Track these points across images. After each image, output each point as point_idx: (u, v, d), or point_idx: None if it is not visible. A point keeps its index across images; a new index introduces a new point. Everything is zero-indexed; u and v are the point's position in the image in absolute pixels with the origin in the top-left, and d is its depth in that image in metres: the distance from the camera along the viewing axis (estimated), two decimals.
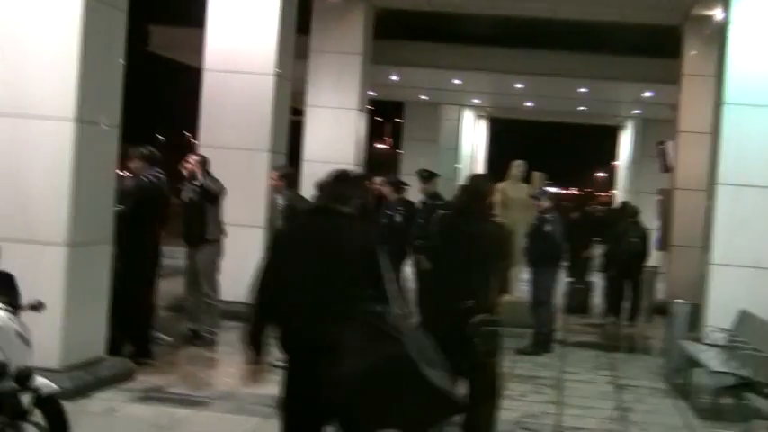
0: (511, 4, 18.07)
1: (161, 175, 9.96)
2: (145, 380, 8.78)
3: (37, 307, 5.18)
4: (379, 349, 4.74)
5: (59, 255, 7.95)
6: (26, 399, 4.93)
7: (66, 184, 7.94)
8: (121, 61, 8.74)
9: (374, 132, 63.74)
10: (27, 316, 7.74)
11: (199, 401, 8.26)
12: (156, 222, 9.71)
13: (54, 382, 7.60)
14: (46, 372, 7.58)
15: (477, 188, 7.13)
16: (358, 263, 5.01)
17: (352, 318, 4.83)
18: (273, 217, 10.50)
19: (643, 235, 15.06)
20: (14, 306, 5.15)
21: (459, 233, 6.82)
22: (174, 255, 12.17)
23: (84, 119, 8.05)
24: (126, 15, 8.67)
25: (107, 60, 8.50)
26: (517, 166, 15.19)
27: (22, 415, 4.86)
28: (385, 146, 58.18)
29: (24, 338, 4.97)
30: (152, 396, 8.30)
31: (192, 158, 10.95)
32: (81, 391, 7.93)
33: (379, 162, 46.06)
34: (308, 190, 16.55)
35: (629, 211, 16.02)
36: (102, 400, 7.94)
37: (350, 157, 18.42)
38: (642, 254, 14.95)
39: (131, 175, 9.79)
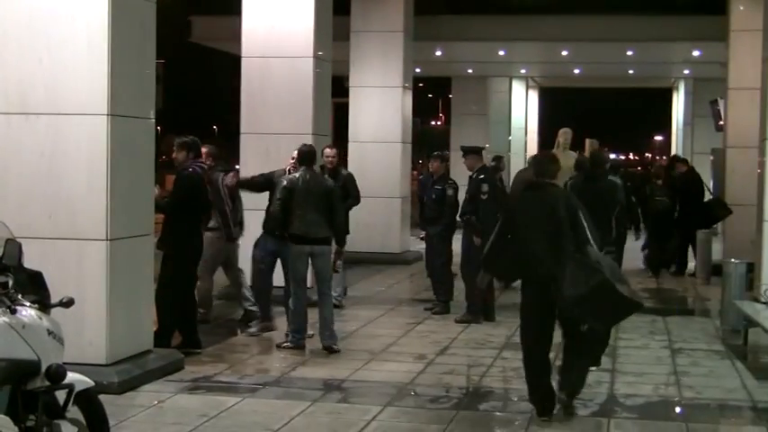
0: None
1: (203, 165, 9.98)
2: (193, 370, 8.79)
3: (67, 304, 5.17)
4: (588, 276, 7.09)
5: (101, 250, 7.97)
6: (61, 396, 4.92)
7: (102, 179, 7.95)
8: (154, 53, 8.74)
9: (427, 109, 63.71)
10: (71, 313, 7.90)
11: (247, 389, 8.25)
12: (197, 213, 9.70)
13: (101, 377, 7.77)
14: (94, 367, 7.77)
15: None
16: (567, 219, 7.31)
17: (569, 257, 7.20)
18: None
19: (670, 194, 15.53)
20: (45, 304, 5.14)
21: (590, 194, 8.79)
22: None
23: (118, 113, 8.05)
24: (155, 6, 8.64)
25: (139, 53, 8.49)
26: (564, 134, 15.00)
27: (59, 412, 4.86)
28: (438, 122, 58.01)
29: (56, 336, 4.97)
30: (200, 386, 8.31)
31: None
32: (129, 385, 7.96)
33: (431, 138, 45.90)
34: (356, 170, 16.79)
35: (654, 173, 16.64)
36: (149, 393, 7.97)
37: (397, 136, 18.41)
38: (670, 211, 15.44)
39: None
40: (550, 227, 7.31)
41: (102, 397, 7.56)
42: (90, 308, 7.91)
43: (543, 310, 7.41)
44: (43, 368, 4.78)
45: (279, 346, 9.94)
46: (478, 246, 11.69)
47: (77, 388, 4.99)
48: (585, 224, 7.32)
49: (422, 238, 13.47)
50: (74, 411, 5.04)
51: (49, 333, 4.92)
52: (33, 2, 8.10)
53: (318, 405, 7.81)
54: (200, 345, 9.68)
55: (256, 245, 10.63)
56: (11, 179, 8.12)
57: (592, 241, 7.29)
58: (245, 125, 13.36)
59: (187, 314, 9.68)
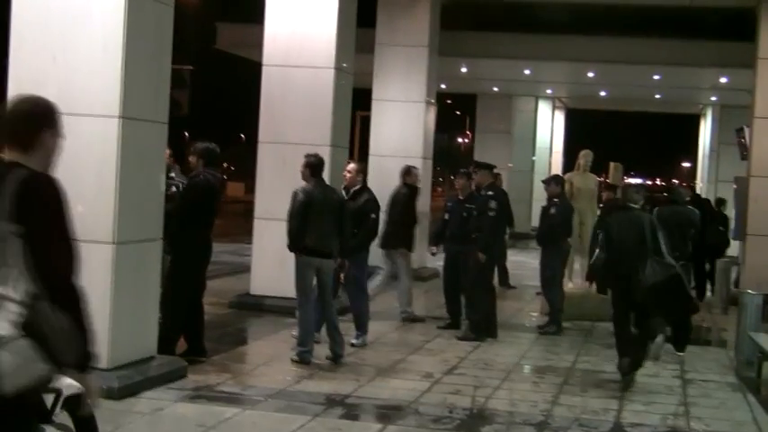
0: None
1: (215, 174, 9.85)
2: (196, 378, 8.70)
3: None
4: (663, 272, 9.39)
5: (107, 253, 7.90)
6: (49, 400, 4.80)
7: (111, 181, 7.89)
8: (170, 56, 8.68)
9: (454, 125, 63.64)
10: None
11: (248, 400, 8.14)
12: (206, 221, 9.60)
13: (101, 382, 7.69)
14: (94, 371, 7.67)
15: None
16: (649, 233, 9.57)
17: (649, 257, 9.43)
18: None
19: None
20: None
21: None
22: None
23: (130, 116, 7.99)
24: (172, 9, 8.58)
25: (154, 56, 8.43)
26: (584, 156, 14.85)
27: (46, 417, 4.74)
28: (466, 140, 57.93)
29: None
30: (201, 395, 8.21)
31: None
32: (129, 391, 7.87)
33: (455, 155, 45.79)
34: (376, 184, 16.68)
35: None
36: (149, 400, 7.87)
37: (418, 151, 18.29)
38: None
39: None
40: (636, 238, 9.60)
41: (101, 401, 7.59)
42: (93, 311, 7.79)
43: (627, 297, 9.65)
44: None
45: (293, 360, 9.79)
46: (483, 263, 11.59)
47: (66, 393, 4.87)
48: (662, 239, 9.62)
49: (433, 254, 13.38)
50: (64, 417, 4.91)
51: None
52: (49, 1, 8.05)
53: (319, 420, 7.69)
54: (205, 353, 9.59)
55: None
56: None
57: (665, 252, 9.56)
58: (263, 134, 13.28)
59: (193, 321, 9.58)
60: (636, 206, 10.04)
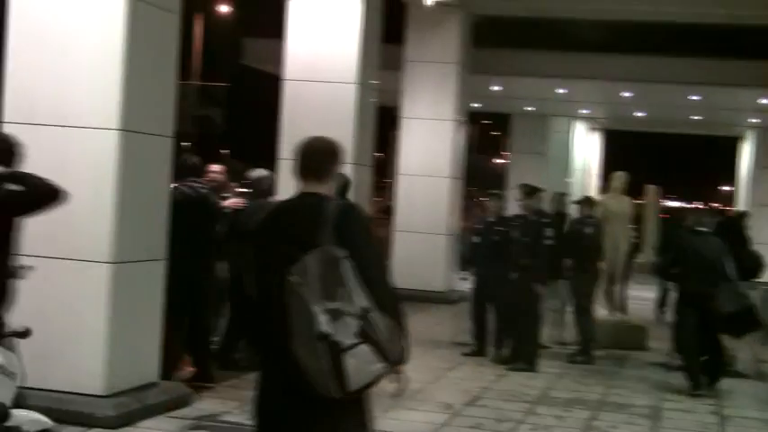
0: (613, 7, 17.18)
1: (194, 186, 9.09)
2: (200, 407, 8.18)
3: (23, 334, 4.61)
4: (740, 298, 10.12)
5: (102, 272, 7.41)
6: None
7: (108, 196, 7.42)
8: (174, 67, 8.22)
9: (491, 145, 63.00)
10: (67, 339, 7.36)
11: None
12: (188, 236, 8.71)
13: (96, 410, 7.22)
14: (90, 398, 7.21)
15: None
16: (719, 258, 10.17)
17: (723, 285, 10.01)
18: None
19: None
20: None
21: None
22: None
23: (130, 128, 7.53)
24: (177, 17, 8.13)
25: (157, 65, 7.97)
26: (618, 178, 14.21)
27: None
28: (504, 160, 57.41)
29: (5, 370, 4.38)
30: (203, 425, 7.69)
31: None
32: (126, 419, 7.37)
33: (486, 175, 45.34)
34: (404, 204, 16.07)
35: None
36: (147, 430, 7.37)
37: (446, 170, 17.81)
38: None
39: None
40: (708, 262, 10.09)
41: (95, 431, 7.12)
42: (87, 334, 7.39)
43: (697, 319, 10.21)
44: None
45: None
46: (540, 295, 11.11)
47: (30, 430, 4.40)
48: (729, 263, 10.16)
49: (464, 279, 12.87)
50: None
51: None
52: (46, 10, 7.63)
53: None
54: (212, 379, 9.07)
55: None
56: None
57: (733, 276, 10.14)
58: (283, 149, 12.80)
59: (201, 345, 9.09)
60: (706, 230, 10.50)
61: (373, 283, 4.03)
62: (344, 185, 9.07)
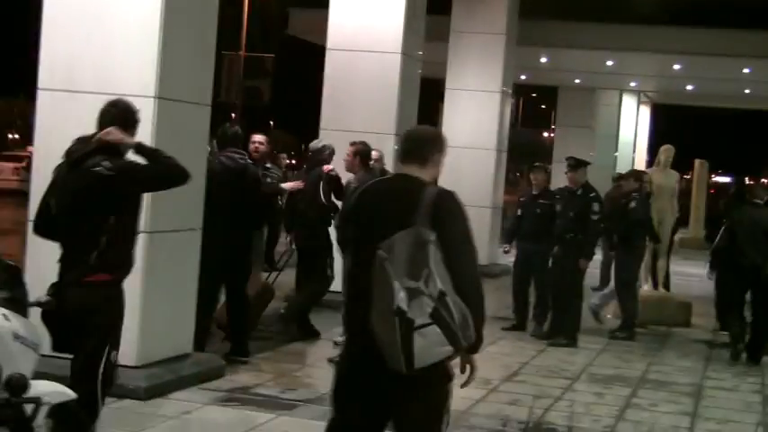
0: None
1: (234, 156, 8.93)
2: (233, 379, 8.14)
3: (46, 304, 4.57)
4: None
5: (138, 242, 7.37)
6: (30, 409, 4.28)
7: None
8: (214, 36, 8.14)
9: (537, 118, 62.53)
10: None
11: (285, 405, 7.56)
12: (223, 207, 8.62)
13: (127, 381, 7.19)
14: (122, 369, 7.16)
15: None
16: None
17: None
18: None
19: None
20: (20, 303, 4.51)
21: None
22: None
23: (167, 96, 7.47)
24: None
25: (196, 34, 7.90)
26: (665, 151, 13.94)
27: (24, 427, 4.22)
28: (552, 134, 57.03)
29: (25, 340, 4.34)
30: (235, 397, 7.65)
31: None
32: (158, 391, 7.34)
33: (532, 148, 45.00)
34: (447, 176, 15.97)
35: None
36: (178, 401, 7.33)
37: (492, 143, 17.64)
38: None
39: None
40: (757, 234, 10.31)
41: (126, 402, 7.09)
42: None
43: (743, 289, 10.72)
44: (4, 377, 4.14)
45: (330, 360, 9.11)
46: (584, 270, 11.00)
47: (51, 401, 4.35)
48: None
49: (506, 252, 12.70)
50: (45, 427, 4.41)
51: (16, 337, 4.29)
52: None
53: None
54: (247, 354, 8.97)
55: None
56: (53, 157, 7.56)
57: None
58: (325, 121, 12.73)
59: (236, 318, 9.03)
60: (761, 202, 10.75)
61: (459, 270, 4.11)
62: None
